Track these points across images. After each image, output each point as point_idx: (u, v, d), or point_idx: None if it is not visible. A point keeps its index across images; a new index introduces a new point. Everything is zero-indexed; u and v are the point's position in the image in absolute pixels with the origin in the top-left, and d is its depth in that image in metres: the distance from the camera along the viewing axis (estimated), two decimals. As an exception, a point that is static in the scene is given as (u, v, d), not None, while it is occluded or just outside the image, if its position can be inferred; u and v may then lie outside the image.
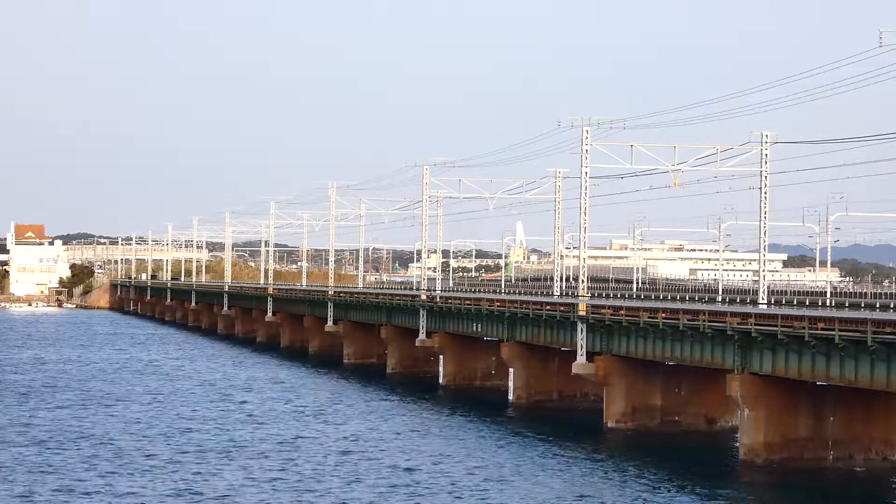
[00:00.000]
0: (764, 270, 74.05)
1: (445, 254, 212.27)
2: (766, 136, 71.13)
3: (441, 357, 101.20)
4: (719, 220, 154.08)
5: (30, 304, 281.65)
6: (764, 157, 71.20)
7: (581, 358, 75.78)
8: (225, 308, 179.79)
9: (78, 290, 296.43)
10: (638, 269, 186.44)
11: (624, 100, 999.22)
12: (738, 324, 61.38)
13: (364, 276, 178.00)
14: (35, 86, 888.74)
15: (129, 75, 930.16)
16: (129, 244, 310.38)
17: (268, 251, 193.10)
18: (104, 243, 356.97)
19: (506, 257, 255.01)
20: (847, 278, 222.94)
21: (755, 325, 60.11)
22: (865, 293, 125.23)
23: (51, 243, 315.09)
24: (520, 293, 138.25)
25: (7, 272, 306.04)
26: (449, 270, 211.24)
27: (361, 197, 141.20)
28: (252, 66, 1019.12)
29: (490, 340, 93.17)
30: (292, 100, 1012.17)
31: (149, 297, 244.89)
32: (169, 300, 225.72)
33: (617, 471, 58.49)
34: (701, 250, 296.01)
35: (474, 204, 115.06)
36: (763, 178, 71.45)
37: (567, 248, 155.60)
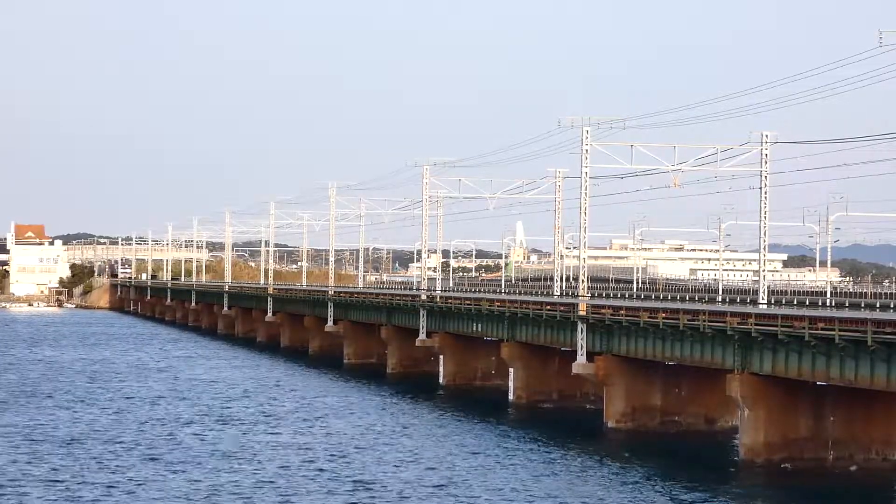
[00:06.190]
0: (764, 270, 74.10)
1: (445, 254, 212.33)
2: (766, 136, 71.18)
3: (441, 357, 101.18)
4: (719, 220, 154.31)
5: (30, 304, 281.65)
6: (764, 157, 71.24)
7: (581, 358, 75.79)
8: (225, 308, 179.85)
9: (78, 290, 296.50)
10: (638, 269, 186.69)
11: (624, 100, 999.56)
12: (738, 324, 61.39)
13: (364, 276, 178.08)
14: (35, 86, 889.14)
15: (129, 75, 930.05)
16: (129, 244, 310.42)
17: (268, 251, 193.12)
18: (104, 243, 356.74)
19: (506, 257, 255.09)
20: (847, 278, 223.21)
21: (755, 325, 60.11)
22: (865, 293, 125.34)
23: (51, 243, 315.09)
24: (520, 293, 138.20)
25: (7, 272, 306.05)
26: (449, 270, 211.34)
27: (361, 197, 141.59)
28: (252, 66, 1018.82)
29: (490, 340, 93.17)
30: (292, 100, 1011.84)
31: (149, 297, 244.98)
32: (169, 300, 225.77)
33: (617, 471, 58.48)
34: (701, 250, 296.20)
35: (474, 204, 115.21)
36: (763, 178, 71.48)
37: (567, 248, 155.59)
